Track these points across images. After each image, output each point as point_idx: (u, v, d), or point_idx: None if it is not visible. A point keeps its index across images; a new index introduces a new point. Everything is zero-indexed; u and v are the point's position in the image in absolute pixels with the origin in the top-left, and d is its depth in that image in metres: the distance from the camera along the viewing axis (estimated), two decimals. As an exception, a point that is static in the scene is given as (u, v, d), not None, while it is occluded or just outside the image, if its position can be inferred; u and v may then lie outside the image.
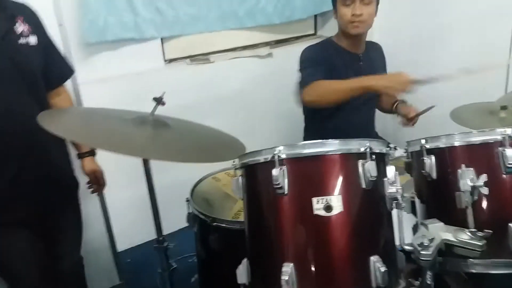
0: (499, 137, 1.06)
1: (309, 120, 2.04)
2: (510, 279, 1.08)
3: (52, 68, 1.46)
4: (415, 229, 1.28)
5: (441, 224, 1.03)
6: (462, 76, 1.54)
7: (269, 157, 1.02)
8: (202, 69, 2.43)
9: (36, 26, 1.38)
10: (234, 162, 1.16)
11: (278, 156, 1.00)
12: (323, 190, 0.98)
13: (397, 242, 1.07)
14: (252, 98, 2.57)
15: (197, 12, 2.34)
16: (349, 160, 1.00)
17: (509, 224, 1.03)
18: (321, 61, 1.77)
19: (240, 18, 2.47)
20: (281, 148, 1.01)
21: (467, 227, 1.05)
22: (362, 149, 1.01)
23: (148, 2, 2.16)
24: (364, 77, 1.63)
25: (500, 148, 1.05)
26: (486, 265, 1.04)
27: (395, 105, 1.95)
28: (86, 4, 2.00)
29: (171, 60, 2.43)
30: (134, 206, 2.22)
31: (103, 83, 2.15)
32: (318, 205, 0.97)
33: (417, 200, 1.30)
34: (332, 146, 1.00)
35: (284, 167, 0.99)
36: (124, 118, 1.25)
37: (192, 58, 2.47)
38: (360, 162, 1.00)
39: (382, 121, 2.08)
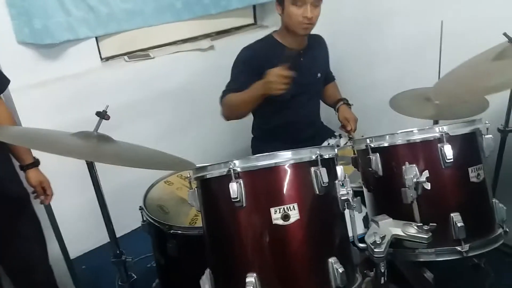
0: (437, 135, 1.13)
1: (256, 119, 2.05)
2: (453, 263, 1.17)
3: None
4: (365, 220, 1.36)
5: (390, 220, 1.10)
6: None
7: (224, 171, 1.03)
8: (142, 66, 2.35)
9: None
10: (189, 175, 1.16)
11: (234, 170, 1.01)
12: (280, 200, 1.01)
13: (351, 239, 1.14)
14: (195, 92, 2.53)
15: (132, 7, 2.24)
16: (302, 168, 1.04)
17: (451, 214, 1.12)
18: (247, 69, 1.79)
19: (178, 10, 2.40)
20: (236, 161, 1.02)
21: (414, 221, 1.13)
22: (314, 157, 1.04)
23: (79, 1, 2.04)
24: (255, 86, 1.66)
25: (439, 145, 1.13)
26: (432, 253, 1.13)
27: (337, 107, 2.03)
28: (19, 6, 1.87)
29: (108, 58, 2.33)
30: (83, 211, 2.15)
31: (37, 88, 2.03)
32: (276, 215, 1.00)
33: (364, 190, 1.38)
34: (284, 157, 1.03)
35: (240, 180, 1.01)
36: (66, 134, 1.19)
37: (130, 54, 2.38)
38: (312, 169, 1.04)
39: (326, 107, 2.14)
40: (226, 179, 1.01)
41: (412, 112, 1.76)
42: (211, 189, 1.09)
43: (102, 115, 1.22)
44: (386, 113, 1.82)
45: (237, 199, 0.99)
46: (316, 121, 2.12)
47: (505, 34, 1.39)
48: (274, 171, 1.02)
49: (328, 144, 2.07)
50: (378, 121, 2.33)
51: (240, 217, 1.03)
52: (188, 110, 2.55)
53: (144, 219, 1.56)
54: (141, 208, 1.57)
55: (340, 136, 2.12)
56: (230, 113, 1.79)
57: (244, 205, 1.01)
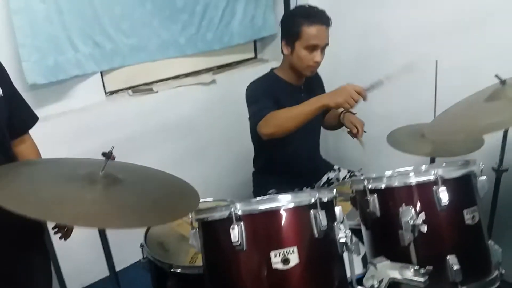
0: (432, 178, 1.16)
1: (257, 152, 2.09)
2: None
3: (16, 118, 1.45)
4: (364, 260, 1.38)
5: (388, 262, 1.12)
6: (402, 75, 1.64)
7: (226, 214, 1.06)
8: (146, 99, 2.41)
9: (1, 76, 1.38)
10: (190, 216, 1.18)
11: (235, 213, 1.04)
12: (280, 243, 1.04)
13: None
14: (198, 125, 2.58)
15: (137, 42, 2.31)
16: (301, 212, 1.07)
17: (447, 257, 1.14)
18: (267, 94, 1.82)
19: (181, 46, 2.47)
20: (237, 204, 1.05)
21: (411, 263, 1.15)
22: (313, 200, 1.07)
23: (86, 37, 2.11)
24: (314, 98, 1.67)
25: (434, 188, 1.16)
26: (429, 296, 1.14)
27: (341, 116, 2.02)
28: (29, 45, 1.91)
29: (112, 92, 2.39)
30: (83, 244, 2.16)
31: (43, 122, 2.07)
32: (276, 259, 1.02)
33: (363, 227, 1.40)
34: (284, 200, 1.06)
35: (241, 223, 1.04)
36: (74, 176, 1.22)
37: (134, 88, 2.44)
38: (312, 212, 1.06)
39: (324, 141, 2.18)
40: (227, 222, 1.04)
41: (409, 149, 1.80)
42: (212, 232, 1.12)
43: (108, 155, 1.25)
44: (384, 146, 1.86)
45: (238, 243, 1.02)
46: (316, 155, 2.16)
47: (497, 76, 1.44)
48: (274, 215, 1.05)
49: (328, 178, 2.10)
50: (377, 153, 2.36)
51: (240, 260, 1.05)
52: (191, 143, 2.59)
53: (145, 255, 1.57)
54: (141, 246, 1.59)
55: (339, 170, 2.15)
56: (278, 129, 1.70)
57: (244, 248, 1.03)
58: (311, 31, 1.74)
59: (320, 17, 1.76)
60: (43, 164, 1.44)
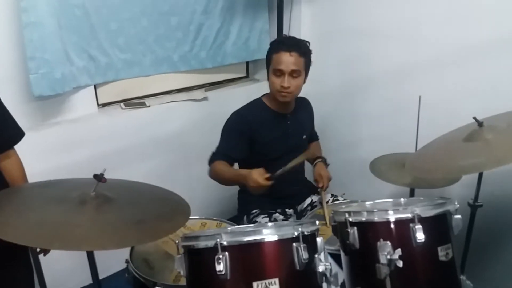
0: (410, 215, 1.22)
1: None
2: None
3: (2, 133, 1.46)
4: (342, 287, 1.43)
5: (364, 294, 1.18)
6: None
7: (212, 243, 1.10)
8: (137, 113, 2.44)
9: None
10: (177, 242, 1.23)
11: (221, 244, 1.08)
12: (262, 274, 1.09)
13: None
14: (188, 140, 2.62)
15: (131, 57, 2.35)
16: (284, 245, 1.12)
17: (419, 291, 1.20)
18: (236, 132, 1.93)
19: (175, 63, 2.52)
20: (222, 235, 1.10)
21: (386, 296, 1.21)
22: (296, 234, 1.12)
23: (81, 50, 2.15)
24: (242, 176, 1.79)
25: (411, 225, 1.22)
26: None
27: (314, 163, 2.16)
28: (39, 58, 1.94)
29: (104, 105, 2.42)
30: (67, 251, 2.17)
31: (35, 132, 2.09)
32: (258, 290, 1.07)
33: (342, 254, 1.45)
34: (268, 232, 1.11)
35: (226, 253, 1.08)
36: (65, 198, 1.26)
37: (127, 102, 2.47)
38: (294, 245, 1.11)
39: (309, 164, 2.24)
40: (212, 251, 1.08)
41: (390, 178, 1.86)
42: (197, 259, 1.16)
43: (99, 178, 1.28)
44: (367, 171, 1.93)
45: (222, 272, 1.06)
46: (301, 178, 2.21)
47: (474, 118, 1.52)
48: (258, 247, 1.10)
49: (312, 200, 2.16)
50: (360, 177, 2.43)
51: (223, 289, 1.09)
52: (180, 157, 2.63)
53: (130, 271, 1.60)
54: (127, 261, 1.62)
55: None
56: (215, 179, 1.94)
57: (228, 277, 1.07)
58: (276, 57, 1.85)
59: (287, 45, 1.85)
60: (37, 187, 1.45)
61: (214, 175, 1.92)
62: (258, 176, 1.70)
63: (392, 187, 1.93)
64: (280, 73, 1.84)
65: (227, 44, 2.66)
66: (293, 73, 1.84)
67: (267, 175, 1.71)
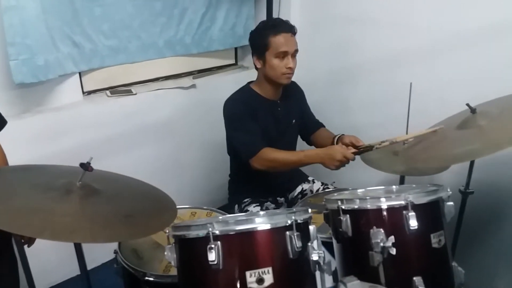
0: (403, 202, 1.21)
1: (233, 162, 2.11)
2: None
3: None
4: (335, 275, 1.42)
5: (358, 281, 1.17)
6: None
7: (203, 232, 1.07)
8: (124, 101, 2.39)
9: None
10: (167, 232, 1.20)
11: (213, 233, 1.06)
12: (255, 263, 1.06)
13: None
14: (176, 128, 2.58)
15: (116, 44, 2.29)
16: (277, 233, 1.09)
17: (413, 278, 1.19)
18: (248, 114, 1.86)
19: (160, 48, 2.46)
20: (215, 224, 1.07)
21: (380, 283, 1.20)
22: (289, 222, 1.10)
23: (65, 37, 2.08)
24: (314, 155, 1.76)
25: (404, 212, 1.21)
26: (394, 316, 1.19)
27: (335, 141, 2.00)
28: (19, 43, 1.86)
29: (90, 92, 2.36)
30: (54, 242, 2.13)
31: (19, 120, 2.03)
32: (251, 279, 1.05)
33: (334, 241, 1.44)
34: (261, 221, 1.08)
35: (218, 243, 1.06)
36: (50, 187, 1.21)
37: (112, 89, 2.42)
38: (287, 234, 1.09)
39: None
40: (204, 241, 1.06)
41: (382, 167, 1.85)
42: (189, 249, 1.13)
43: (86, 167, 1.25)
44: (357, 159, 1.91)
45: (215, 262, 1.04)
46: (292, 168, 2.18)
47: (467, 105, 1.51)
48: (251, 236, 1.07)
49: (302, 189, 2.14)
50: (349, 165, 2.41)
51: (216, 278, 1.07)
52: (168, 146, 2.59)
53: (118, 262, 1.57)
54: (115, 252, 1.59)
55: (313, 181, 2.20)
56: (271, 169, 1.84)
57: (220, 267, 1.05)
58: (278, 39, 1.81)
59: (284, 26, 1.83)
60: (21, 171, 1.41)
61: (270, 163, 1.81)
62: (344, 149, 1.69)
63: (382, 175, 1.93)
64: (284, 55, 1.81)
65: (213, 30, 2.61)
66: (295, 53, 1.85)
67: (353, 150, 1.70)
